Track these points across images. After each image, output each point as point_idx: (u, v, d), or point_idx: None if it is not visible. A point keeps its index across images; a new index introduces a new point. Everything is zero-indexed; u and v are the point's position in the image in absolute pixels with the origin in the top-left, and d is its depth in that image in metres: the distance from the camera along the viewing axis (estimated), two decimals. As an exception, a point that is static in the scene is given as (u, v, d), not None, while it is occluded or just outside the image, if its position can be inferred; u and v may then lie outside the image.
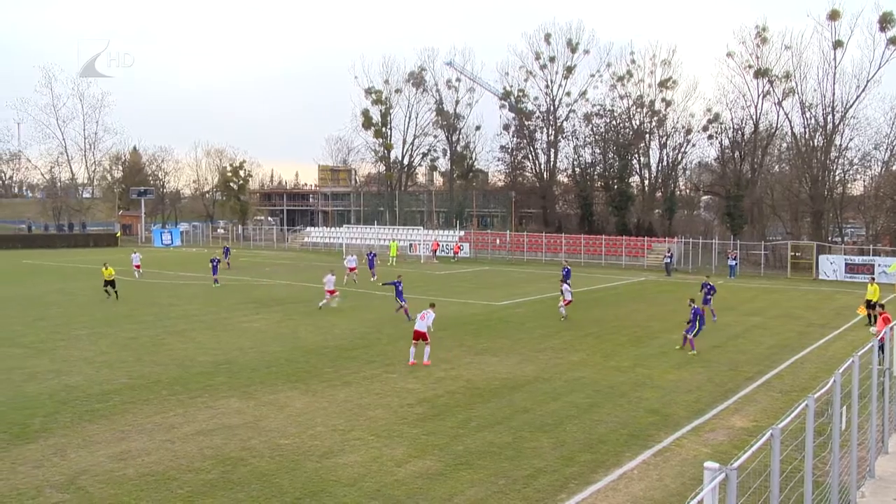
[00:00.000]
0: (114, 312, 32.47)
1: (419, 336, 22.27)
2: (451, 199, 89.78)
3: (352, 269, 44.48)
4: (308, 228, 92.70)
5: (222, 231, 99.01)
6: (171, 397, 18.32)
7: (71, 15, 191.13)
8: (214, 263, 44.12)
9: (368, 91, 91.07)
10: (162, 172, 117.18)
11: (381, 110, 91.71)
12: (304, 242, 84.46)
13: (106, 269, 37.08)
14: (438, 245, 69.58)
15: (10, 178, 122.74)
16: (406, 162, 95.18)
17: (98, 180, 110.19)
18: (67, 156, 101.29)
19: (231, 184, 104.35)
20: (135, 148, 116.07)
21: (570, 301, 30.86)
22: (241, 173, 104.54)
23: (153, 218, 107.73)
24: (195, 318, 30.89)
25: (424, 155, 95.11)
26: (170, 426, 16.05)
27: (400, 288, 31.50)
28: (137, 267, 47.61)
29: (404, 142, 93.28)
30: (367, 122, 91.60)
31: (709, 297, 30.95)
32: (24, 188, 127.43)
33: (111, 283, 37.03)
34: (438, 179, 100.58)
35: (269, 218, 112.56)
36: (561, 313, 30.37)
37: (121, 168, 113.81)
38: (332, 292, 34.33)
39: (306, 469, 13.55)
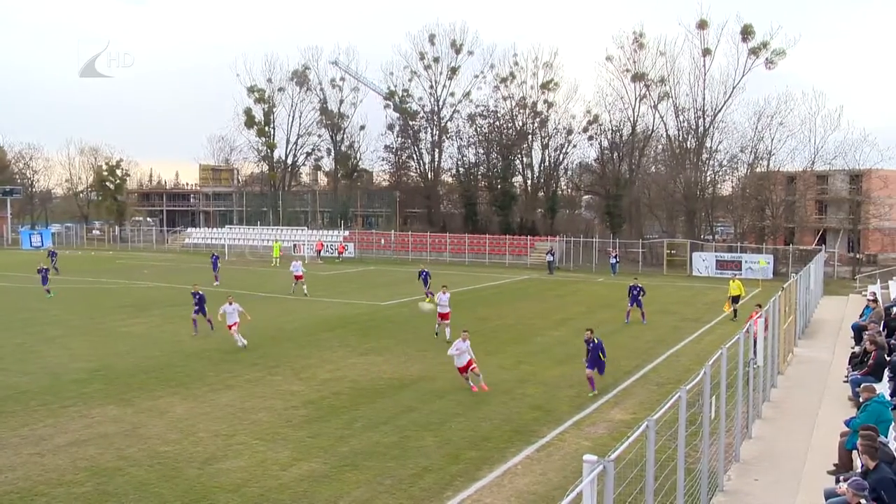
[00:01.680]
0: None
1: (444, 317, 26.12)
2: (335, 198, 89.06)
3: (298, 277, 39.17)
4: (189, 229, 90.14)
5: (98, 232, 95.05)
6: (41, 408, 17.47)
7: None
8: (43, 273, 39.92)
9: (251, 89, 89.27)
10: (30, 171, 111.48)
11: (263, 109, 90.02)
12: (184, 244, 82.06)
13: None
14: (323, 245, 68.98)
15: None
16: (290, 161, 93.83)
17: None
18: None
19: (107, 183, 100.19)
20: (0, 145, 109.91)
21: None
22: (118, 172, 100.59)
23: (21, 219, 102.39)
24: (68, 323, 29.61)
25: (308, 154, 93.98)
26: (39, 438, 15.30)
27: (427, 276, 35.85)
28: None
29: (288, 141, 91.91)
30: (250, 121, 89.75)
31: (639, 298, 30.92)
32: None
33: None
34: (323, 179, 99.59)
35: (148, 218, 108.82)
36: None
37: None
38: (299, 277, 38.08)
39: (188, 476, 13.21)
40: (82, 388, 19.28)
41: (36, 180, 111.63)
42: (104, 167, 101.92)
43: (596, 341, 19.26)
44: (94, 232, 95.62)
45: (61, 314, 31.95)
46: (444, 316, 26.34)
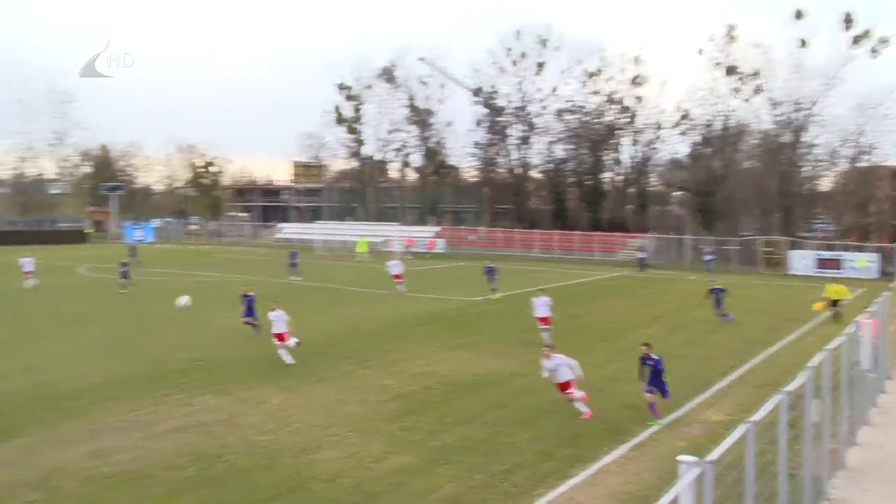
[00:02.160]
0: (86, 310, 32.16)
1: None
2: (424, 194, 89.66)
3: (396, 277, 38.33)
4: (281, 224, 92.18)
5: (195, 227, 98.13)
6: (146, 395, 18.19)
7: (46, 8, 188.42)
8: (125, 268, 39.67)
9: (340, 87, 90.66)
10: (133, 168, 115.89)
11: (352, 106, 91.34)
12: (277, 238, 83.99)
13: None
14: (412, 241, 69.52)
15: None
16: (378, 158, 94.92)
17: (67, 176, 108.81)
18: (35, 151, 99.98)
19: (203, 179, 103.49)
20: (104, 144, 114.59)
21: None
22: (213, 169, 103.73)
23: (125, 214, 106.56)
24: (168, 315, 30.65)
25: (397, 151, 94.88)
26: (145, 424, 15.96)
27: (492, 271, 36.50)
28: (28, 273, 40.65)
29: (376, 138, 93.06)
30: (339, 118, 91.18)
31: (720, 301, 30.05)
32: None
33: None
34: (411, 175, 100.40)
35: (243, 214, 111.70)
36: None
37: (90, 164, 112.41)
38: (398, 277, 37.69)
39: (284, 465, 13.55)
40: (183, 377, 19.96)
41: (137, 177, 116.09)
42: (199, 164, 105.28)
43: (655, 357, 16.59)
44: (191, 226, 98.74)
45: (161, 306, 33.09)
46: (543, 321, 25.34)
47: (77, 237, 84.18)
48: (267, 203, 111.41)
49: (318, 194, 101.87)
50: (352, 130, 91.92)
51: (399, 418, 16.41)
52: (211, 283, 42.62)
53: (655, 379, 16.35)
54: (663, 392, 16.48)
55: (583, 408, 16.58)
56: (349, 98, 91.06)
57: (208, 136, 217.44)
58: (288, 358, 21.59)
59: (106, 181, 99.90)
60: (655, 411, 16.38)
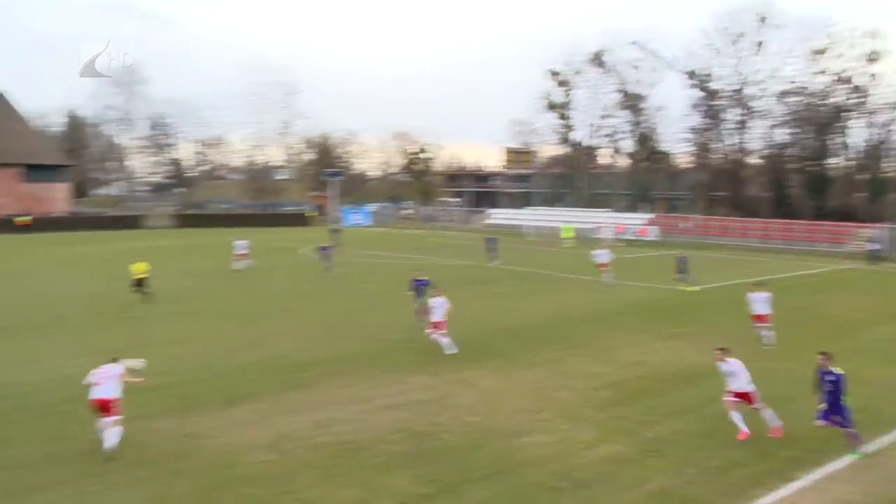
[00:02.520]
0: (311, 288, 34.20)
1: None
2: (635, 181, 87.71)
3: (602, 266, 37.09)
4: (491, 210, 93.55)
5: (409, 211, 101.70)
6: (364, 371, 19.12)
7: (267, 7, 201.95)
8: (326, 251, 40.80)
9: (551, 73, 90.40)
10: (351, 155, 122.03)
11: (563, 92, 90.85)
12: (487, 223, 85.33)
13: (138, 265, 30.70)
14: (623, 228, 68.19)
15: (215, 161, 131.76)
16: (589, 143, 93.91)
17: (292, 163, 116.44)
18: (265, 140, 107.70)
19: (415, 166, 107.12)
20: (326, 131, 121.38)
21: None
22: (424, 155, 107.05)
23: (343, 198, 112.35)
24: (383, 296, 31.94)
25: (608, 136, 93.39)
26: (363, 398, 16.78)
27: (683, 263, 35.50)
28: (241, 256, 41.52)
29: (587, 123, 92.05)
30: (550, 104, 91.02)
31: None
32: (228, 170, 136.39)
33: (140, 282, 30.48)
34: (623, 161, 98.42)
35: (454, 199, 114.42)
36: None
37: (313, 151, 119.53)
38: (604, 265, 36.80)
39: (495, 447, 13.78)
40: (397, 356, 20.78)
41: (355, 163, 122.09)
42: (413, 151, 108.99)
43: (836, 373, 13.60)
44: (404, 211, 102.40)
45: (379, 286, 34.59)
46: (760, 318, 22.99)
47: (300, 220, 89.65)
48: (478, 189, 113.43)
49: (528, 180, 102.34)
50: (562, 116, 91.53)
51: (609, 407, 16.22)
52: (420, 266, 43.93)
53: (832, 401, 13.42)
54: (844, 419, 13.38)
55: (772, 421, 14.40)
56: (559, 84, 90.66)
57: (421, 124, 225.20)
58: (450, 347, 20.89)
59: (327, 167, 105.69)
60: (856, 442, 13.42)
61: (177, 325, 25.39)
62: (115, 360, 14.03)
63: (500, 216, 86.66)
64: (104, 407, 13.35)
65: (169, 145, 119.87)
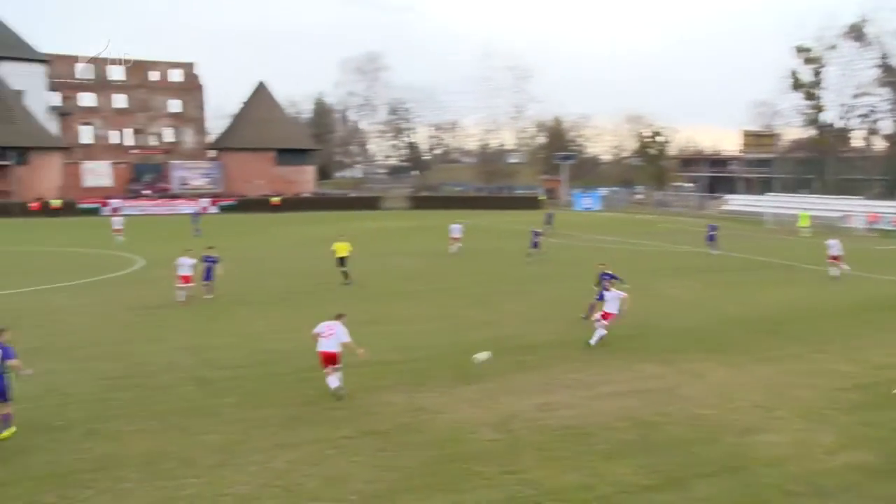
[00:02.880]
0: (540, 271, 34.39)
1: None
2: (894, 165, 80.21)
3: (834, 259, 33.08)
4: (728, 196, 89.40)
5: (640, 196, 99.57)
6: (592, 356, 18.96)
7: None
8: (537, 237, 39.21)
9: (799, 49, 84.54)
10: (583, 138, 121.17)
11: (812, 70, 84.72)
12: (723, 210, 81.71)
13: (340, 244, 30.82)
14: (878, 217, 62.64)
15: (450, 144, 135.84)
16: (840, 125, 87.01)
17: (524, 146, 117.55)
18: (498, 124, 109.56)
19: (649, 149, 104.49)
20: (558, 115, 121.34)
21: None
22: (659, 139, 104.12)
23: (574, 182, 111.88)
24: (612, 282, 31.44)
25: (863, 117, 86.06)
26: (590, 384, 16.65)
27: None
28: (455, 240, 41.47)
29: (838, 103, 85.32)
30: (796, 83, 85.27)
31: None
32: (462, 154, 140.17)
33: (342, 261, 30.59)
34: (880, 144, 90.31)
35: (688, 184, 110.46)
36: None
37: (545, 135, 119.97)
38: (836, 258, 32.88)
39: (726, 443, 13.21)
40: (627, 343, 20.38)
41: (587, 147, 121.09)
42: (646, 134, 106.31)
43: None
44: (636, 196, 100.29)
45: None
46: None
47: (532, 203, 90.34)
48: (713, 173, 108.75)
49: (768, 165, 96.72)
50: (810, 96, 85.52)
51: (857, 410, 14.97)
52: (650, 253, 42.88)
53: None
54: None
55: None
56: (808, 61, 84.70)
57: (656, 106, 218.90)
58: (595, 339, 19.87)
59: (558, 151, 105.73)
60: None
61: (410, 303, 26.45)
62: (339, 316, 15.93)
63: (737, 202, 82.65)
64: (330, 359, 15.35)
65: (406, 130, 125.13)
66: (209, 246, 27.84)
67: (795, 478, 11.74)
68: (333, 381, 15.31)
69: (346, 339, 15.38)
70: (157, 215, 75.23)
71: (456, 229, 41.78)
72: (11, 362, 13.16)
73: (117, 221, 50.02)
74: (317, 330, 15.63)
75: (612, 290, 20.76)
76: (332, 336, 15.34)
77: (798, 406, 15.20)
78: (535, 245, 39.04)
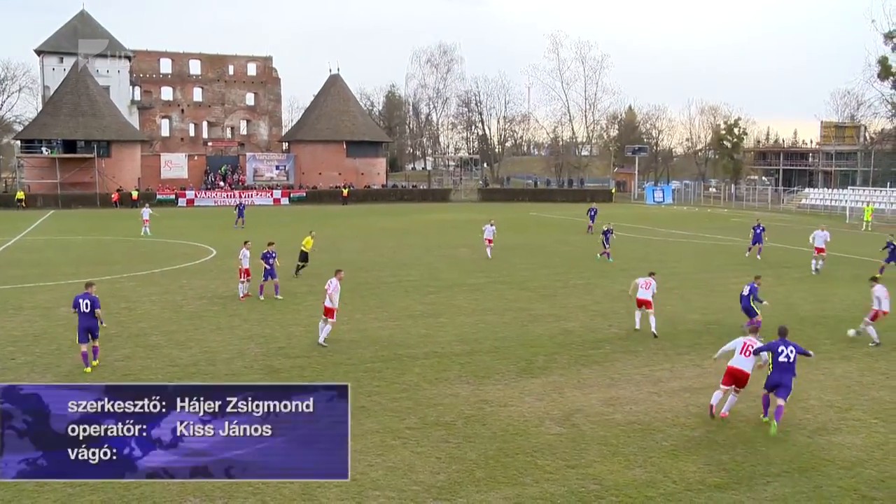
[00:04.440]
0: (608, 266, 34.01)
1: None
2: None
3: (820, 250, 32.55)
4: (806, 189, 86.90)
5: (714, 190, 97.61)
6: (659, 352, 18.68)
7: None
8: (607, 234, 36.17)
9: (889, 35, 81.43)
10: (656, 131, 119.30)
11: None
12: (801, 204, 79.50)
13: (308, 240, 30.44)
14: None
15: (521, 137, 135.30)
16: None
17: (595, 139, 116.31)
18: (569, 116, 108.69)
19: (724, 142, 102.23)
20: (630, 107, 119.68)
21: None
22: (736, 131, 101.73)
23: (646, 175, 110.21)
24: (683, 276, 30.96)
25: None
26: (657, 379, 16.41)
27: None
28: (489, 241, 36.30)
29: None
30: (885, 72, 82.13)
31: None
32: (532, 146, 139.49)
33: (306, 256, 30.04)
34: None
35: (764, 178, 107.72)
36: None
37: (617, 127, 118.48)
38: (821, 250, 31.80)
39: (796, 442, 12.86)
40: (696, 339, 20.05)
41: (660, 139, 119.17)
42: (722, 126, 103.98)
43: None
44: (710, 189, 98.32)
45: (679, 266, 33.55)
46: None
47: (604, 196, 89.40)
48: (791, 167, 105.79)
49: (851, 158, 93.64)
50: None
51: (942, 413, 14.42)
52: (723, 247, 41.99)
53: None
54: None
55: None
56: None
57: (732, 98, 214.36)
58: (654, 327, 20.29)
59: (630, 143, 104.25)
60: None
61: (475, 295, 26.41)
62: (337, 270, 20.01)
63: (815, 196, 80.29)
64: (330, 312, 18.77)
65: (477, 122, 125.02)
66: (270, 241, 26.81)
67: (872, 482, 11.36)
68: (324, 332, 18.95)
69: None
70: (230, 206, 76.92)
71: (489, 230, 36.51)
72: (97, 310, 16.57)
73: (146, 213, 48.52)
74: (326, 287, 18.95)
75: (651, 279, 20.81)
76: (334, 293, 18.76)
77: (875, 406, 14.71)
78: (606, 243, 36.07)
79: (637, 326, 20.93)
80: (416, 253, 37.60)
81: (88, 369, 16.53)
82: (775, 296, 26.46)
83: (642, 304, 20.63)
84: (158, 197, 77.34)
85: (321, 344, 18.77)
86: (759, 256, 35.95)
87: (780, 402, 13.13)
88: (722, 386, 13.99)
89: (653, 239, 45.96)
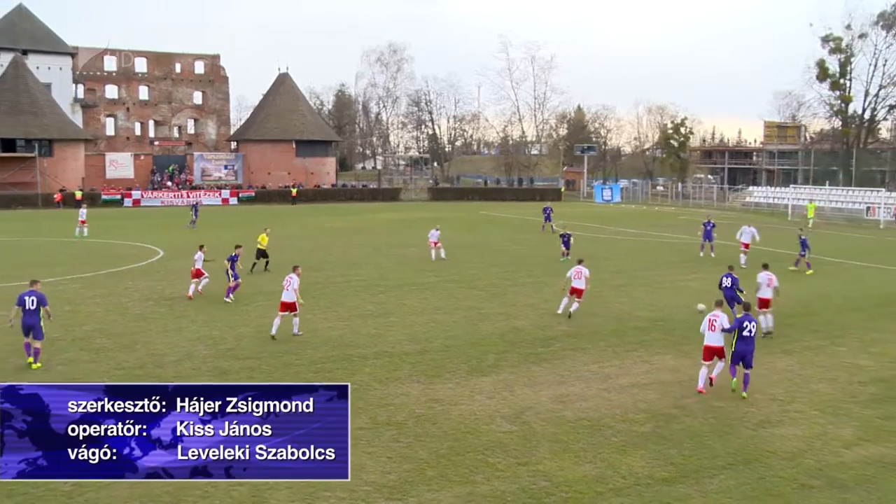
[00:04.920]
0: (557, 264, 34.20)
1: None
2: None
3: (745, 246, 33.86)
4: (750, 188, 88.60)
5: (661, 188, 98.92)
6: (608, 349, 18.91)
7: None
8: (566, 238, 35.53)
9: (826, 39, 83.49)
10: (604, 130, 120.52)
11: (839, 59, 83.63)
12: (745, 202, 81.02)
13: (263, 236, 31.07)
14: (903, 209, 61.90)
15: (471, 136, 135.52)
16: (867, 116, 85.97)
17: (545, 138, 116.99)
18: (519, 115, 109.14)
19: (671, 141, 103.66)
20: (579, 107, 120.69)
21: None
22: (682, 130, 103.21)
23: (594, 174, 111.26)
24: (631, 273, 31.34)
25: (891, 108, 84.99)
26: (606, 376, 16.61)
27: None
28: (435, 245, 35.36)
29: (866, 93, 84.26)
30: (823, 74, 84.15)
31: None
32: (482, 146, 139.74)
33: (263, 253, 30.86)
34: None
35: (710, 176, 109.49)
36: None
37: (566, 126, 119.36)
38: (747, 246, 33.07)
39: (741, 435, 13.14)
40: (644, 335, 20.35)
41: (608, 138, 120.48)
42: (669, 126, 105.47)
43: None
44: (657, 188, 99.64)
45: (626, 264, 33.97)
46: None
47: (554, 195, 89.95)
48: (735, 165, 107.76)
49: (792, 157, 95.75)
50: (836, 86, 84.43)
51: (876, 404, 14.85)
52: (671, 245, 42.65)
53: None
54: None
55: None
56: (834, 51, 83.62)
57: (679, 98, 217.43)
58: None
59: (579, 142, 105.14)
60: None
61: (425, 294, 26.42)
62: (295, 266, 20.69)
63: (759, 194, 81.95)
64: (288, 307, 19.49)
65: (427, 121, 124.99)
66: (237, 244, 26.53)
67: (811, 471, 11.67)
68: (295, 326, 19.79)
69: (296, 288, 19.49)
70: (178, 206, 75.79)
71: (434, 235, 35.84)
72: (45, 308, 16.70)
73: (83, 213, 46.89)
74: (283, 283, 19.67)
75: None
76: (289, 289, 19.38)
77: (815, 399, 15.10)
78: (566, 246, 35.44)
79: (559, 311, 22.25)
80: (365, 252, 37.45)
81: (35, 364, 16.65)
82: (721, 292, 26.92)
83: (574, 292, 21.85)
84: (104, 197, 75.78)
85: (296, 334, 19.71)
86: (712, 254, 36.25)
87: (747, 371, 15.06)
88: (703, 362, 15.61)
89: (601, 237, 46.43)
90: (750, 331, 14.90)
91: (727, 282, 21.27)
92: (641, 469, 11.74)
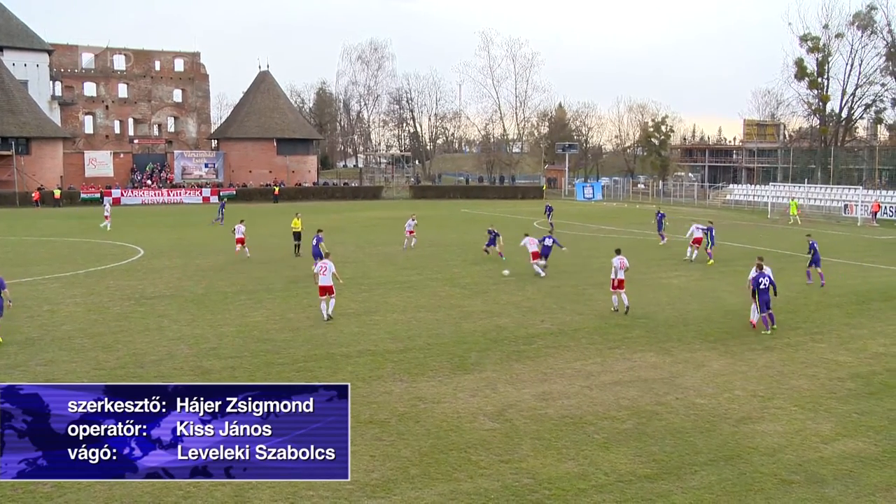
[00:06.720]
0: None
1: None
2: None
3: (696, 242, 34.57)
4: (731, 186, 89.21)
5: (642, 186, 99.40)
6: (591, 346, 18.98)
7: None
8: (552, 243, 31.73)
9: (803, 38, 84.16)
10: (585, 128, 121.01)
11: (817, 58, 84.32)
12: (725, 200, 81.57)
13: (296, 221, 36.42)
14: (880, 207, 62.51)
15: (453, 134, 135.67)
16: (844, 115, 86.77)
17: (526, 136, 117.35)
18: (500, 113, 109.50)
19: (652, 139, 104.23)
20: (560, 104, 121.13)
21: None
22: (663, 128, 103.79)
23: (576, 172, 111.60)
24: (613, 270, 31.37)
25: (867, 107, 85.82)
26: (588, 373, 16.67)
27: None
28: (411, 234, 38.91)
29: (843, 92, 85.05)
30: (801, 73, 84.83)
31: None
32: (464, 144, 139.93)
33: (298, 235, 36.09)
34: (884, 134, 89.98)
35: (690, 174, 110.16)
36: None
37: (547, 124, 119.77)
38: (698, 242, 34.13)
39: (722, 432, 13.23)
40: (626, 333, 20.43)
41: (589, 136, 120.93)
42: (650, 124, 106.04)
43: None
44: (638, 186, 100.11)
45: (607, 262, 33.95)
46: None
47: (535, 193, 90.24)
48: (716, 163, 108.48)
49: (772, 155, 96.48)
50: (814, 85, 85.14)
51: (855, 399, 15.00)
52: (652, 242, 42.82)
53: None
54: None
55: None
56: (812, 50, 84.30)
57: (659, 96, 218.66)
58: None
59: (561, 140, 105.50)
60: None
61: (407, 292, 26.42)
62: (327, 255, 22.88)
63: (739, 192, 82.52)
64: (327, 290, 21.38)
65: (408, 119, 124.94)
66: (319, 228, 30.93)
67: (791, 466, 11.77)
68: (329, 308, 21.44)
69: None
70: (158, 205, 75.36)
71: (410, 224, 39.12)
72: (4, 291, 18.25)
73: (108, 208, 51.03)
74: (316, 270, 21.63)
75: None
76: (328, 273, 21.25)
77: (795, 395, 15.23)
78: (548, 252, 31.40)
79: (614, 309, 23.09)
80: (347, 250, 37.37)
81: None
82: (703, 289, 27.22)
83: (620, 285, 22.75)
84: (83, 196, 75.25)
85: (329, 317, 21.51)
86: (693, 257, 35.53)
87: (769, 312, 20.37)
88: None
89: (583, 235, 46.60)
90: (765, 284, 20.01)
91: (764, 281, 20.47)
92: (624, 466, 11.80)
